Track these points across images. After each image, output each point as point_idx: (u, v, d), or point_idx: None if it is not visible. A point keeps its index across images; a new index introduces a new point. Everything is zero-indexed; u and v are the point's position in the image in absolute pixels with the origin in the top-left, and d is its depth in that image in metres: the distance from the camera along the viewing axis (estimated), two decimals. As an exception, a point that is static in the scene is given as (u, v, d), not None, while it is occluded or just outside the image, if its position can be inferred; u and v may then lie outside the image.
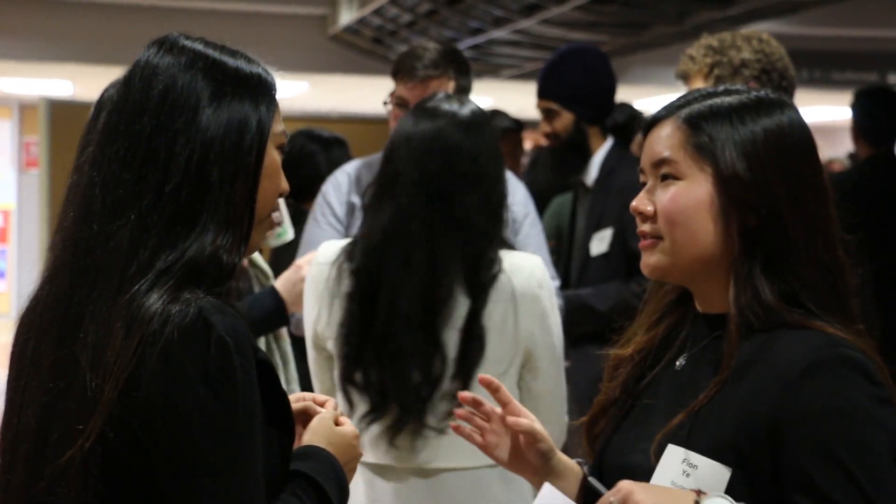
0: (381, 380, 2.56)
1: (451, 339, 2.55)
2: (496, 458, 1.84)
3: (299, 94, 12.28)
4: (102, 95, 2.21)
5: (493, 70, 10.15)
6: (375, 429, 2.59)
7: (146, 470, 1.47)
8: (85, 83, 11.58)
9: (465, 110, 2.63)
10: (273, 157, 1.60)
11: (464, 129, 2.60)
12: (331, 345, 2.64)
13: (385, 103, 3.48)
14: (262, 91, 1.60)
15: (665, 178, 1.71)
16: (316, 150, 4.39)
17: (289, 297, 2.97)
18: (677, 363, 1.76)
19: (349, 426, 1.70)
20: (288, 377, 3.04)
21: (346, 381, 2.60)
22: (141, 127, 1.53)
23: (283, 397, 1.59)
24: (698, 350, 1.73)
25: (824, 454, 1.55)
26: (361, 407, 2.59)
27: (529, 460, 1.81)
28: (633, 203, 1.74)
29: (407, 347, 2.53)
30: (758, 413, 1.60)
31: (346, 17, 9.41)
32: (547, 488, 1.72)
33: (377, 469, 2.63)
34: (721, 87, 1.76)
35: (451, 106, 2.63)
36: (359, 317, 2.57)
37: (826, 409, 1.57)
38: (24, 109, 14.29)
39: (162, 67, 1.56)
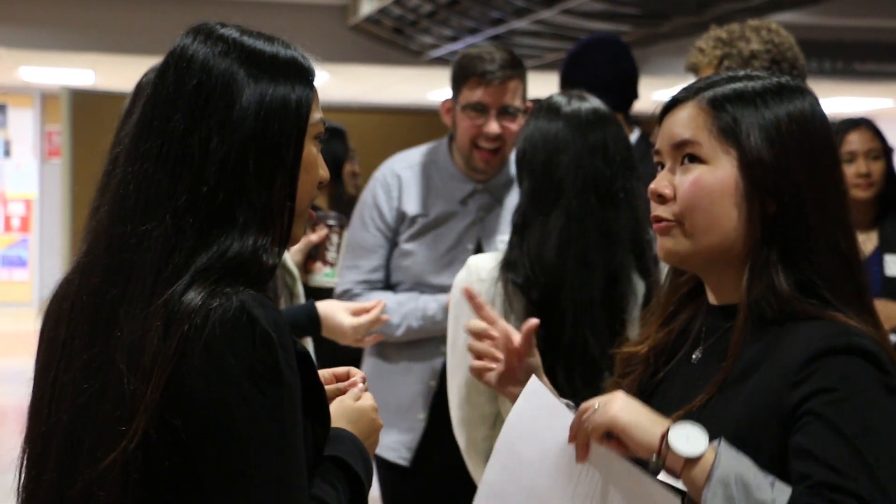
0: (573, 393, 2.50)
1: (635, 329, 2.54)
2: (486, 383, 1.92)
3: (320, 83, 12.25)
4: (141, 80, 2.21)
5: (514, 60, 10.12)
6: None
7: (188, 471, 1.45)
8: (106, 72, 11.61)
9: (601, 104, 2.66)
10: (310, 149, 1.58)
11: (610, 121, 2.63)
12: None
13: (453, 108, 3.41)
14: (300, 79, 1.58)
15: (685, 160, 1.69)
16: None
17: (327, 325, 2.95)
18: (693, 356, 1.74)
19: (367, 399, 1.69)
20: None
21: None
22: (174, 124, 1.51)
23: (319, 389, 1.58)
24: (713, 342, 1.72)
25: (827, 428, 1.52)
26: None
27: (517, 378, 1.87)
28: (652, 185, 1.72)
29: (598, 353, 2.51)
30: (765, 402, 1.58)
31: (367, 7, 9.41)
32: (534, 381, 1.71)
33: None
34: (742, 73, 1.74)
35: (591, 103, 2.65)
36: (541, 333, 2.47)
37: (831, 387, 1.55)
38: (46, 99, 14.34)
39: (196, 59, 1.54)
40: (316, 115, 1.59)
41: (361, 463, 1.60)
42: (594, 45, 4.02)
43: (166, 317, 1.45)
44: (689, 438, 1.50)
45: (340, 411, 1.65)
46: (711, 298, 1.75)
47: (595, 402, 1.57)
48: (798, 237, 1.64)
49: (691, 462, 1.49)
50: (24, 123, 14.67)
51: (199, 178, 1.50)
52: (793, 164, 1.65)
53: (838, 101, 12.90)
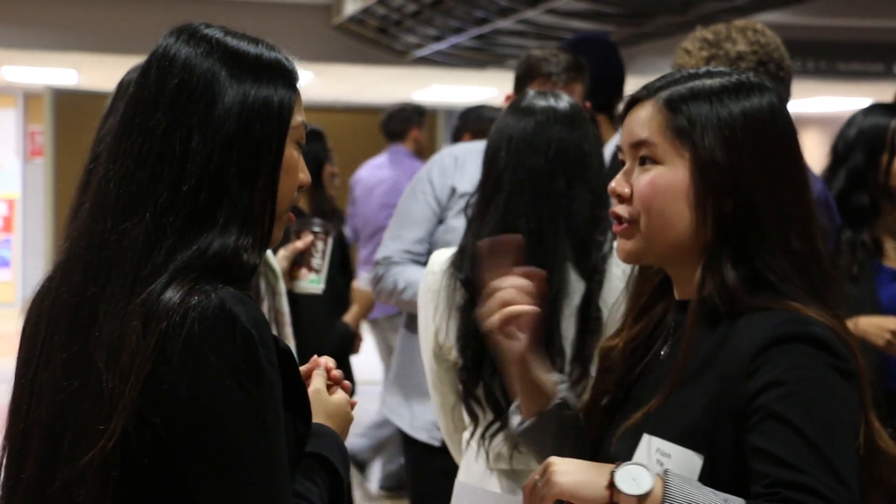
0: (502, 390, 2.52)
1: (570, 327, 2.55)
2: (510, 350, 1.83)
3: (304, 83, 12.23)
4: (123, 79, 2.21)
5: (498, 60, 10.14)
6: (500, 437, 2.57)
7: (169, 470, 1.45)
8: (90, 72, 11.58)
9: (563, 104, 2.64)
10: (290, 152, 1.58)
11: (564, 122, 2.61)
12: (454, 355, 2.62)
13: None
14: (283, 82, 1.58)
15: (644, 161, 1.70)
16: None
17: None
18: (662, 352, 1.75)
19: (340, 393, 1.69)
20: None
21: (468, 395, 2.59)
22: (155, 123, 1.51)
23: (301, 386, 1.58)
24: (678, 338, 1.72)
25: (780, 424, 1.53)
26: (484, 418, 2.58)
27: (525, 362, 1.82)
28: (611, 184, 1.73)
29: None
30: (720, 395, 1.59)
31: (351, 6, 9.41)
32: (459, 484, 1.72)
33: (509, 474, 2.61)
34: (703, 69, 1.74)
35: (548, 101, 2.63)
36: (472, 329, 2.54)
37: (781, 380, 1.55)
38: (29, 98, 14.29)
39: (179, 58, 1.54)
40: (298, 118, 1.59)
41: (340, 458, 1.61)
42: (583, 43, 4.04)
43: (145, 315, 1.45)
44: (635, 479, 1.52)
45: (318, 405, 1.65)
46: (676, 293, 1.76)
47: (535, 475, 1.58)
48: (751, 235, 1.65)
49: (643, 500, 1.51)
50: (6, 123, 14.62)
51: (179, 177, 1.49)
52: (746, 165, 1.65)
53: (821, 100, 12.94)
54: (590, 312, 2.55)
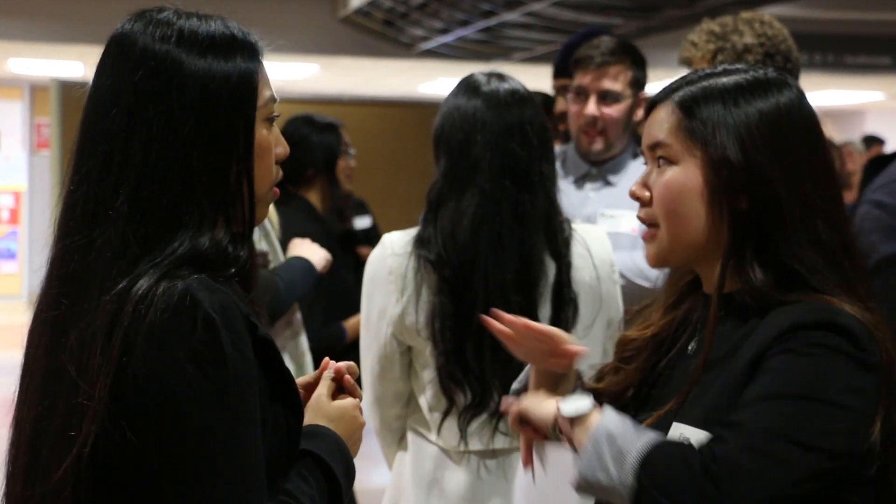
0: (482, 370, 2.55)
1: (546, 309, 2.58)
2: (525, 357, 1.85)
3: (310, 76, 12.27)
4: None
5: (505, 53, 10.13)
6: (479, 417, 2.59)
7: (137, 463, 1.42)
8: (96, 64, 11.58)
9: (520, 85, 2.66)
10: (261, 134, 1.53)
11: (528, 103, 2.64)
12: (420, 339, 2.61)
13: (557, 96, 3.51)
14: (242, 57, 1.52)
15: (661, 163, 1.72)
16: (309, 133, 4.33)
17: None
18: (689, 347, 1.76)
19: (349, 399, 1.65)
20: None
21: (447, 377, 2.59)
22: (116, 126, 1.48)
23: (286, 375, 1.54)
24: (706, 332, 1.73)
25: (764, 380, 1.57)
26: (463, 399, 2.59)
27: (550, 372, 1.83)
28: (632, 188, 1.76)
29: None
30: (742, 381, 1.61)
31: (357, -1, 9.40)
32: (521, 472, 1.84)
33: (485, 454, 2.63)
34: (720, 68, 1.76)
35: (511, 83, 2.65)
36: (452, 310, 2.55)
37: (792, 351, 1.57)
38: (35, 91, 14.30)
39: (135, 51, 1.51)
40: (266, 94, 1.54)
41: (342, 464, 1.57)
42: (590, 37, 4.02)
43: (112, 314, 1.43)
44: (576, 406, 1.66)
45: (318, 410, 1.62)
46: (705, 287, 1.77)
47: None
48: (774, 231, 1.66)
49: (578, 424, 1.64)
50: (13, 115, 14.63)
51: (142, 182, 1.46)
52: (763, 161, 1.66)
53: (829, 94, 12.92)
54: (563, 294, 2.59)
